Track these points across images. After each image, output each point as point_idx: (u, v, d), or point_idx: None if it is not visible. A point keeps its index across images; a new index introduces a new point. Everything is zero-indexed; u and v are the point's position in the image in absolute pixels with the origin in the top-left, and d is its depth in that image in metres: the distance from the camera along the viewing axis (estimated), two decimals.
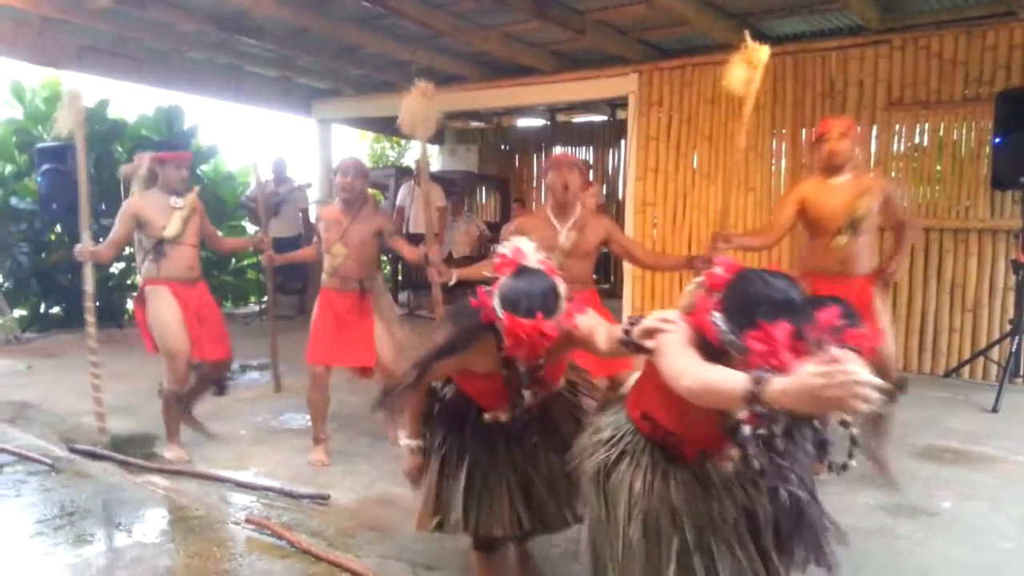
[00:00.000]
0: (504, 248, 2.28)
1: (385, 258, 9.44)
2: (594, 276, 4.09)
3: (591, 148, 11.53)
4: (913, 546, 3.10)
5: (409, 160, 13.46)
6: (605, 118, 11.22)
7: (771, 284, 1.71)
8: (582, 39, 6.65)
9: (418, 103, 3.89)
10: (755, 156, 6.65)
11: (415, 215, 9.29)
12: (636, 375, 2.16)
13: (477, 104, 8.89)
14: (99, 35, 7.21)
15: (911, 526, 3.29)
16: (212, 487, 3.75)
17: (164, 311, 4.01)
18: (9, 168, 8.27)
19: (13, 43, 6.82)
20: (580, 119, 11.74)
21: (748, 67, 3.44)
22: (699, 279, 1.90)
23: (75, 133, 4.00)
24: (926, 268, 6.08)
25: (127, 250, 4.70)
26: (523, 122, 12.27)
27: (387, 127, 11.88)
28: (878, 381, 1.32)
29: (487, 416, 2.43)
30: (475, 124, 12.32)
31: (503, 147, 12.32)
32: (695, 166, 6.96)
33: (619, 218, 8.44)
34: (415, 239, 4.50)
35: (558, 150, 11.56)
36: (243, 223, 9.71)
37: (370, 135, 13.48)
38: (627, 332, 1.93)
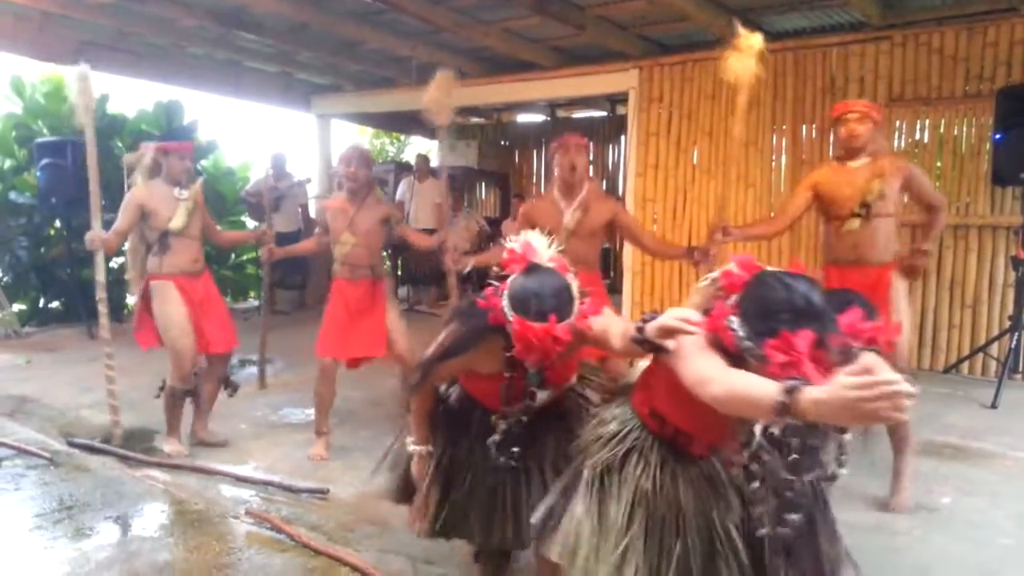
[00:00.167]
0: (514, 243, 2.14)
1: (384, 253, 9.43)
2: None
3: (591, 144, 11.51)
4: (912, 542, 3.10)
5: (408, 156, 13.45)
6: (605, 114, 11.21)
7: (792, 289, 1.63)
8: (582, 35, 6.64)
9: (439, 88, 3.97)
10: (755, 152, 6.64)
11: (415, 210, 9.29)
12: (637, 368, 2.14)
13: (477, 100, 8.86)
14: (99, 30, 7.20)
15: (910, 522, 3.29)
16: (211, 481, 3.75)
17: (170, 309, 3.98)
18: (8, 163, 8.26)
19: (13, 38, 6.81)
20: (580, 115, 11.73)
21: (743, 56, 3.39)
22: (712, 275, 1.83)
23: (84, 118, 3.92)
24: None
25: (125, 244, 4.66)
26: (523, 118, 12.26)
27: (387, 123, 11.90)
28: (914, 390, 1.27)
29: (494, 419, 2.28)
30: (475, 120, 12.31)
31: (503, 143, 12.30)
32: (695, 162, 6.95)
33: None
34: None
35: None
36: (243, 218, 9.70)
37: (370, 131, 13.47)
38: (641, 330, 1.82)
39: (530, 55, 7.50)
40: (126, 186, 4.03)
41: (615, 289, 7.49)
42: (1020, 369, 5.61)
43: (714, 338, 1.69)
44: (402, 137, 14.26)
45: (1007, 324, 5.48)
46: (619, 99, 9.89)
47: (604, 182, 10.99)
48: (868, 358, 1.41)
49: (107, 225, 4.01)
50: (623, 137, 9.54)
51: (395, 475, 2.68)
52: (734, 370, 1.58)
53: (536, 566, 2.49)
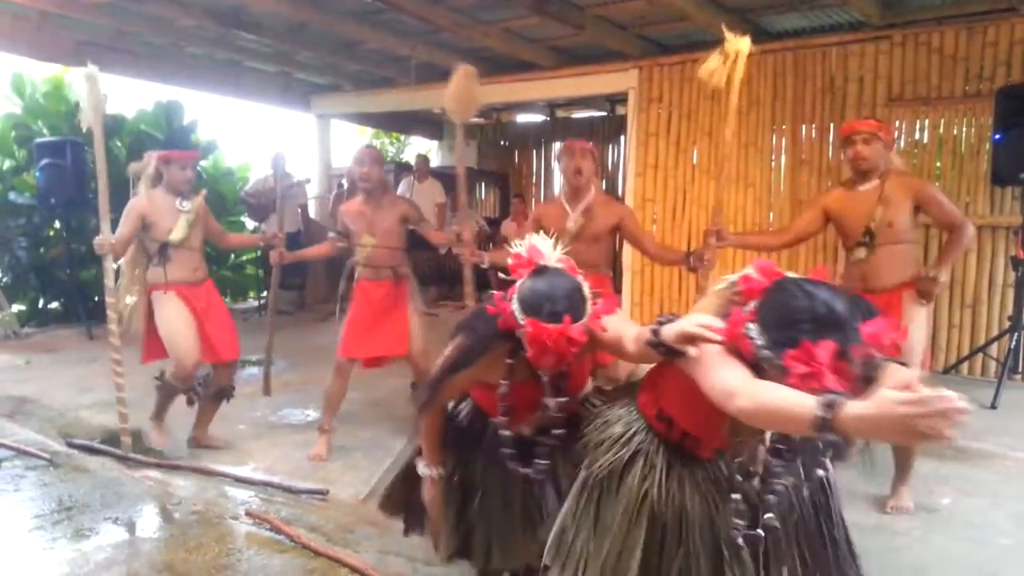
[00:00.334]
0: (519, 247, 2.06)
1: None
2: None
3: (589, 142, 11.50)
4: (912, 542, 3.10)
5: (408, 156, 13.45)
6: (605, 114, 11.20)
7: (814, 296, 1.55)
8: (582, 35, 6.64)
9: (463, 85, 3.82)
10: (755, 152, 6.64)
11: None
12: (637, 368, 2.11)
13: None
14: (98, 30, 7.19)
15: (910, 522, 3.29)
16: (211, 482, 3.75)
17: (173, 318, 3.94)
18: (8, 163, 8.25)
19: (11, 38, 6.80)
20: (580, 115, 11.72)
21: (726, 59, 3.33)
22: (730, 278, 1.76)
23: (93, 118, 3.84)
24: (925, 264, 6.07)
25: None
26: (522, 118, 12.25)
27: (386, 123, 11.90)
28: (968, 406, 1.22)
29: (509, 432, 2.20)
30: (474, 120, 12.28)
31: (502, 143, 12.30)
32: (695, 162, 6.94)
33: None
34: (414, 235, 4.53)
35: (558, 146, 11.55)
36: (242, 219, 9.69)
37: (369, 131, 13.46)
38: (656, 333, 1.74)
39: (529, 55, 7.50)
40: (131, 194, 4.00)
41: (614, 289, 7.49)
42: (1020, 369, 5.61)
43: (731, 345, 1.62)
44: (402, 137, 14.26)
45: (1007, 324, 5.48)
46: (619, 99, 9.88)
47: (604, 182, 10.98)
48: (900, 371, 1.38)
49: (113, 225, 3.92)
50: (623, 137, 9.54)
51: (389, 486, 2.63)
52: (763, 382, 1.52)
53: None
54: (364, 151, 4.30)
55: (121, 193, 3.97)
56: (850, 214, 3.53)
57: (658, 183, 7.15)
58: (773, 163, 6.69)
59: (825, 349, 1.45)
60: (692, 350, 1.64)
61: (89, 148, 6.48)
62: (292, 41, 7.47)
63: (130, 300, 4.04)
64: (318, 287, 9.61)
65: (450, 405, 2.41)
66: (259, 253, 8.06)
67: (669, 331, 1.70)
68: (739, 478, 1.82)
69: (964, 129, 5.97)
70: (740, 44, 3.35)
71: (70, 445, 4.19)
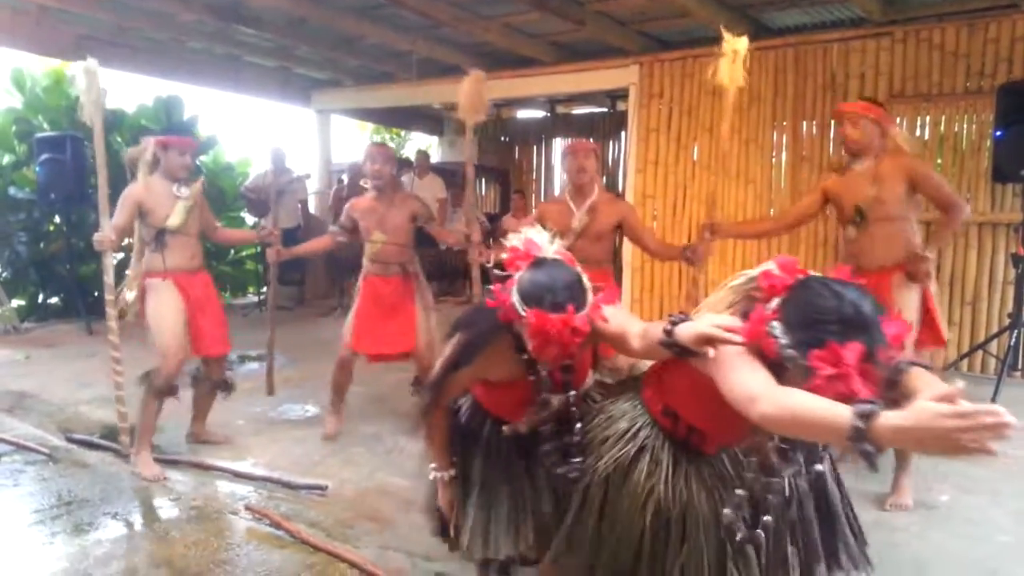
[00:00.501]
0: (515, 240, 2.04)
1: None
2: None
3: (591, 140, 11.48)
4: (911, 539, 3.10)
5: (408, 152, 13.43)
6: (605, 110, 11.19)
7: (842, 296, 1.52)
8: (582, 30, 6.63)
9: (474, 89, 4.06)
10: (755, 148, 6.63)
11: None
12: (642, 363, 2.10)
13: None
14: (98, 24, 7.18)
15: (909, 519, 3.29)
16: (210, 477, 3.75)
17: (164, 308, 3.82)
18: (8, 158, 8.24)
19: (11, 33, 6.79)
20: (580, 111, 11.71)
21: (728, 59, 3.40)
22: (748, 273, 1.74)
23: (93, 113, 3.76)
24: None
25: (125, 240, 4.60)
26: (523, 113, 12.24)
27: (387, 118, 11.88)
28: (1016, 421, 1.19)
29: (505, 429, 2.21)
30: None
31: (503, 138, 12.29)
32: (695, 158, 6.94)
33: None
34: (417, 232, 4.57)
35: (558, 142, 11.54)
36: (242, 214, 9.69)
37: (370, 126, 13.45)
38: (669, 332, 1.71)
39: (530, 51, 7.49)
40: (129, 182, 3.96)
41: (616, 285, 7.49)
42: (1020, 366, 5.61)
43: (753, 344, 1.59)
44: (402, 133, 14.24)
45: (1007, 321, 5.48)
46: (619, 95, 9.87)
47: (604, 178, 10.97)
48: (932, 379, 1.37)
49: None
50: (623, 133, 9.52)
51: (429, 510, 2.54)
52: (787, 388, 1.48)
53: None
54: (376, 148, 4.37)
55: (121, 188, 3.90)
56: (845, 193, 3.58)
57: (658, 179, 7.14)
58: (774, 159, 6.68)
59: (852, 351, 1.42)
60: (710, 351, 1.60)
61: (89, 143, 6.46)
62: (292, 36, 7.46)
63: (130, 296, 3.97)
64: (318, 283, 9.61)
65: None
66: (259, 248, 8.05)
67: (685, 332, 1.66)
68: (751, 474, 1.82)
69: (965, 126, 5.97)
70: (737, 43, 3.40)
71: (69, 440, 4.18)
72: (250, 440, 4.29)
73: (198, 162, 8.73)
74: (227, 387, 4.23)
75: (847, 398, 1.38)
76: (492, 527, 2.25)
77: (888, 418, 1.25)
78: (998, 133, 5.27)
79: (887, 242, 3.45)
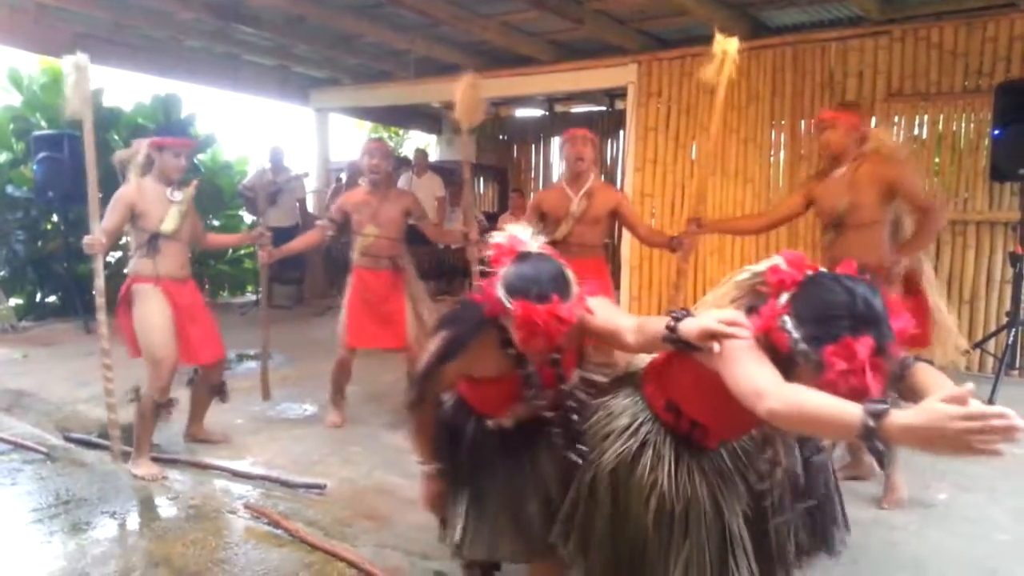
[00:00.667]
0: (498, 236, 2.05)
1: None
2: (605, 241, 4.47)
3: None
4: (909, 537, 3.11)
5: (407, 150, 13.43)
6: (604, 108, 11.19)
7: (853, 292, 1.54)
8: (581, 29, 6.63)
9: (469, 93, 4.20)
10: (754, 147, 6.63)
11: None
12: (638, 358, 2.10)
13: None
14: (96, 22, 7.17)
15: (907, 517, 3.29)
16: (208, 476, 3.75)
17: (152, 314, 3.70)
18: (5, 156, 8.23)
19: (9, 30, 6.78)
20: (579, 109, 11.71)
21: (717, 60, 3.46)
22: (753, 269, 1.75)
23: (82, 111, 3.66)
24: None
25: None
26: (521, 112, 12.23)
27: (385, 117, 11.87)
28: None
29: (490, 423, 2.22)
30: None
31: (501, 137, 12.28)
32: (694, 157, 6.94)
33: None
34: (414, 229, 4.59)
35: (556, 141, 11.54)
36: (240, 212, 9.68)
37: (368, 125, 13.44)
38: (671, 328, 1.71)
39: (528, 49, 7.48)
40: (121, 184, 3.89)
41: (613, 284, 7.49)
42: (1017, 365, 5.62)
43: (762, 338, 1.60)
44: (400, 131, 14.23)
45: (1004, 320, 5.48)
46: (618, 94, 9.88)
47: (603, 177, 10.97)
48: (941, 378, 1.40)
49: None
50: (622, 132, 9.52)
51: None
52: (795, 385, 1.49)
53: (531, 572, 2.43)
54: (373, 144, 4.44)
55: (116, 188, 3.85)
56: (824, 197, 3.63)
57: (657, 178, 7.14)
58: (772, 158, 6.68)
59: (865, 345, 1.44)
60: (716, 346, 1.60)
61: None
62: (290, 34, 7.46)
63: None
64: (316, 282, 9.61)
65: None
66: (257, 247, 8.04)
67: (689, 327, 1.66)
68: (766, 467, 1.87)
69: (963, 125, 5.96)
70: (728, 45, 3.45)
71: (67, 439, 4.18)
72: (248, 439, 4.28)
73: (196, 160, 8.73)
74: (223, 393, 4.17)
75: (858, 394, 1.39)
76: (479, 527, 2.25)
77: (898, 417, 1.27)
78: (996, 132, 5.27)
79: (862, 246, 3.44)
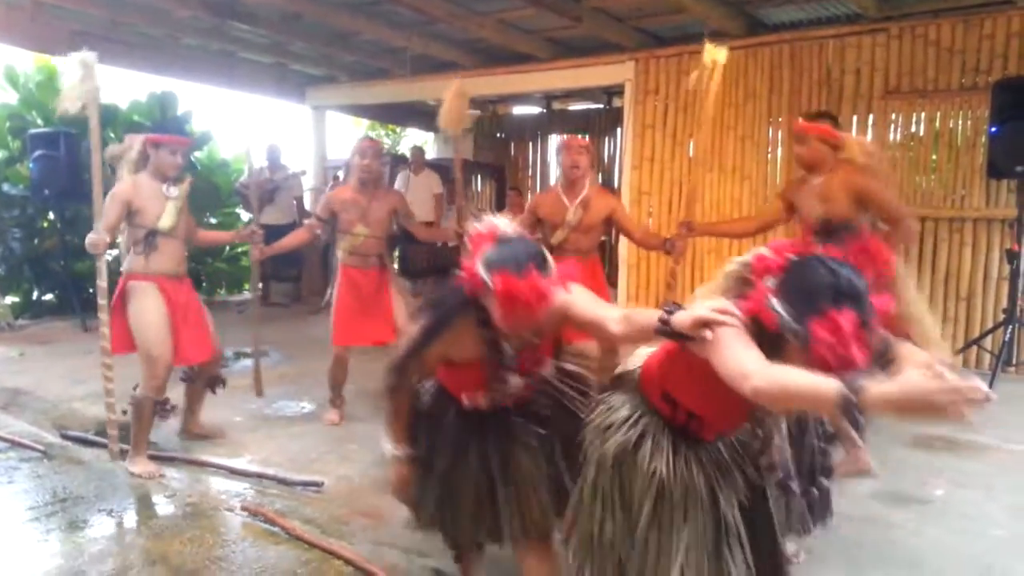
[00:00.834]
0: (477, 225, 2.10)
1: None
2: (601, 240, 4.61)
3: (587, 136, 11.49)
4: (906, 534, 3.11)
5: (404, 148, 13.42)
6: (601, 106, 11.18)
7: (837, 272, 1.62)
8: (578, 26, 6.62)
9: (456, 103, 4.27)
10: (751, 145, 6.64)
11: (411, 203, 9.26)
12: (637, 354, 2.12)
13: (472, 91, 8.83)
14: (92, 20, 7.16)
15: (904, 514, 3.30)
16: (205, 474, 3.74)
17: (148, 311, 3.69)
18: (1, 154, 8.21)
19: (5, 28, 6.76)
20: (576, 107, 11.70)
21: (705, 68, 3.52)
22: (741, 259, 1.81)
23: (89, 108, 3.61)
24: (920, 257, 6.08)
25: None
26: (519, 110, 12.23)
27: (382, 114, 11.86)
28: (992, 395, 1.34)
29: (465, 402, 2.27)
30: (470, 111, 12.27)
31: (498, 135, 12.27)
32: (691, 155, 6.94)
33: None
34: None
35: (554, 138, 11.53)
36: (237, 210, 9.67)
37: (365, 122, 13.42)
38: (664, 321, 1.75)
39: (526, 47, 7.48)
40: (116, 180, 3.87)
41: (610, 283, 7.49)
42: (1014, 362, 5.63)
43: (751, 321, 1.67)
44: (397, 129, 14.22)
45: (1001, 317, 5.50)
46: (615, 91, 9.85)
47: (600, 175, 10.97)
48: (917, 351, 1.47)
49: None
50: (619, 130, 9.52)
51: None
52: (781, 365, 1.57)
53: (522, 563, 2.42)
54: (366, 144, 4.43)
55: (111, 186, 3.83)
56: (802, 205, 3.70)
57: (654, 176, 7.14)
58: (769, 155, 6.69)
59: (848, 318, 1.52)
60: (708, 334, 1.66)
61: (84, 139, 6.43)
62: (287, 32, 7.44)
63: None
64: (313, 280, 9.60)
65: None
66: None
67: (682, 318, 1.71)
68: (762, 458, 1.94)
69: (960, 122, 5.98)
70: (717, 54, 3.49)
71: (64, 437, 4.17)
72: (246, 437, 4.28)
73: (192, 158, 8.72)
74: (219, 382, 4.18)
75: (846, 366, 1.49)
76: (452, 512, 2.32)
77: (875, 386, 1.37)
78: (993, 129, 5.29)
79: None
